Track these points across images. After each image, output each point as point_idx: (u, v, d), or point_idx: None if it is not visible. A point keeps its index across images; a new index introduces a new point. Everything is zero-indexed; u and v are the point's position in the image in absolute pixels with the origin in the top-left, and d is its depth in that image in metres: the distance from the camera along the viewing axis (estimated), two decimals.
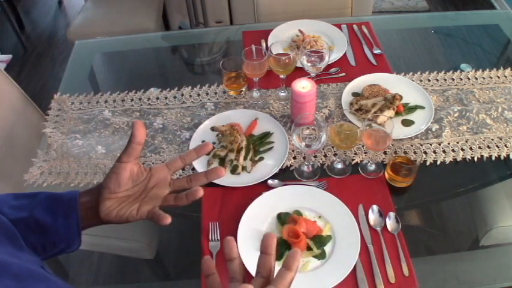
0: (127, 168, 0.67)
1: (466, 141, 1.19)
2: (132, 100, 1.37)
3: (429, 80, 1.38)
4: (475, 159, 1.15)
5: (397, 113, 1.24)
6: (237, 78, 1.34)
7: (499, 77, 1.38)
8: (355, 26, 1.58)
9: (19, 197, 0.68)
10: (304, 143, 1.05)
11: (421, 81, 1.37)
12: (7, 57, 3.04)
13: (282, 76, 1.31)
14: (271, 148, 1.18)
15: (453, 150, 1.17)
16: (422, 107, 1.26)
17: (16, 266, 0.46)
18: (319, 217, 1.02)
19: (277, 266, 0.52)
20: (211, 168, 0.74)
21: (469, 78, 1.38)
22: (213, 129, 1.21)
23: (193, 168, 1.14)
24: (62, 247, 0.67)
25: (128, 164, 0.67)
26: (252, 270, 0.89)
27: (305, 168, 1.14)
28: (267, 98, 1.34)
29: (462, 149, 1.17)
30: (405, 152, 1.13)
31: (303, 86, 1.14)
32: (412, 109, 1.25)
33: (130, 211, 0.68)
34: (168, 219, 0.64)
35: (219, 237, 1.00)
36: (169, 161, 0.72)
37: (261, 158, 1.16)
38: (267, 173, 1.11)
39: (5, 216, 0.62)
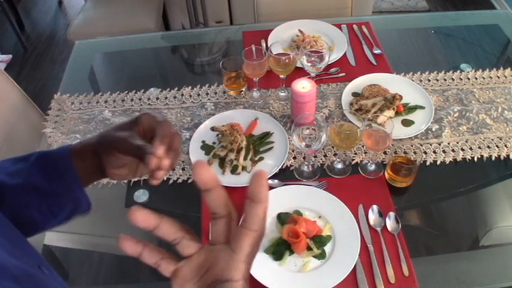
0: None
1: (466, 141, 1.19)
2: (132, 100, 1.37)
3: (429, 80, 1.38)
4: (475, 159, 1.15)
5: (397, 113, 1.24)
6: (237, 78, 1.34)
7: (499, 77, 1.38)
8: (355, 26, 1.58)
9: (16, 161, 0.65)
10: (304, 143, 1.05)
11: (421, 81, 1.37)
12: (7, 57, 3.04)
13: (282, 76, 1.31)
14: (271, 148, 1.18)
15: (453, 150, 1.17)
16: (422, 107, 1.26)
17: (15, 268, 0.46)
18: (319, 217, 1.02)
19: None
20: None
21: (469, 78, 1.38)
22: (213, 129, 1.20)
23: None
24: (71, 208, 0.64)
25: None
26: (254, 271, 0.89)
27: (305, 168, 1.14)
28: (267, 98, 1.34)
29: (462, 149, 1.17)
30: (405, 152, 1.13)
31: (303, 86, 1.14)
32: (412, 109, 1.25)
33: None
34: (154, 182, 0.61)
35: None
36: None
37: (261, 158, 1.16)
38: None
39: (4, 184, 0.60)
